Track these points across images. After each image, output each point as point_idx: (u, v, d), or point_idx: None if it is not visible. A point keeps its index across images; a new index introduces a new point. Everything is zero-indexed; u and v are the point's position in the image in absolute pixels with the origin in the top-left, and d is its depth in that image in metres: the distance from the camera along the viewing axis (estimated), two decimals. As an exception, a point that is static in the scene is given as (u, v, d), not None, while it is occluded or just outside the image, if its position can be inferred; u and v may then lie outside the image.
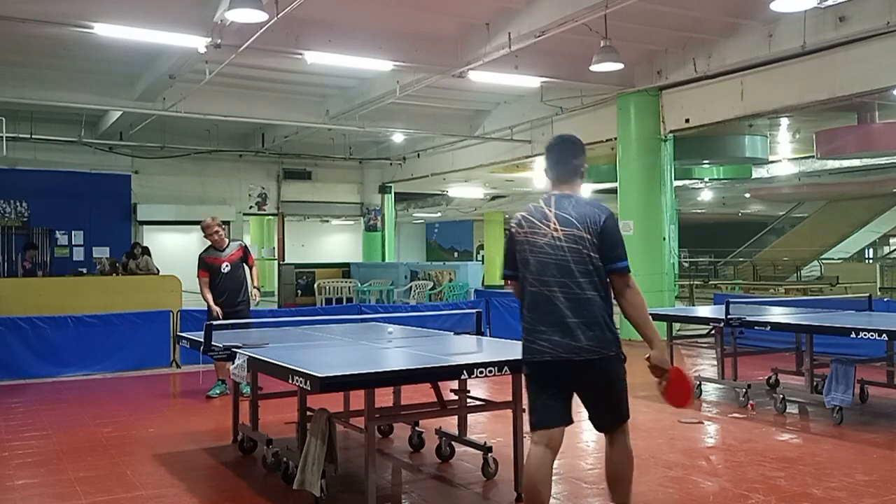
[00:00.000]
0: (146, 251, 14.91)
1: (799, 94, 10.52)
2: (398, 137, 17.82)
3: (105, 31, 8.96)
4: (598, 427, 3.71)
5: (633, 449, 3.71)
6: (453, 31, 10.52)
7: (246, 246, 8.17)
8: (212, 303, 7.75)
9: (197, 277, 7.86)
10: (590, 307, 3.49)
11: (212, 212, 18.25)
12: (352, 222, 25.62)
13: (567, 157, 3.74)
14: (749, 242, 32.69)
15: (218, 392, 7.84)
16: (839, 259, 27.66)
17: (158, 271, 14.18)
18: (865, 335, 5.90)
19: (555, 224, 3.56)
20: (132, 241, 16.71)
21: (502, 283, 4.14)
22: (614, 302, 3.61)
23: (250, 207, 20.07)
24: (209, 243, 7.95)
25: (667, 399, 3.64)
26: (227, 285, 7.80)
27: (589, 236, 3.50)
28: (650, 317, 3.59)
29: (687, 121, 12.00)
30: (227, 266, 7.82)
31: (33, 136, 15.14)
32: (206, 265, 7.84)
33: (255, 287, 8.08)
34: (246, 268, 8.01)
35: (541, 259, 3.57)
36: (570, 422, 3.62)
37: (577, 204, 3.60)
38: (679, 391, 3.65)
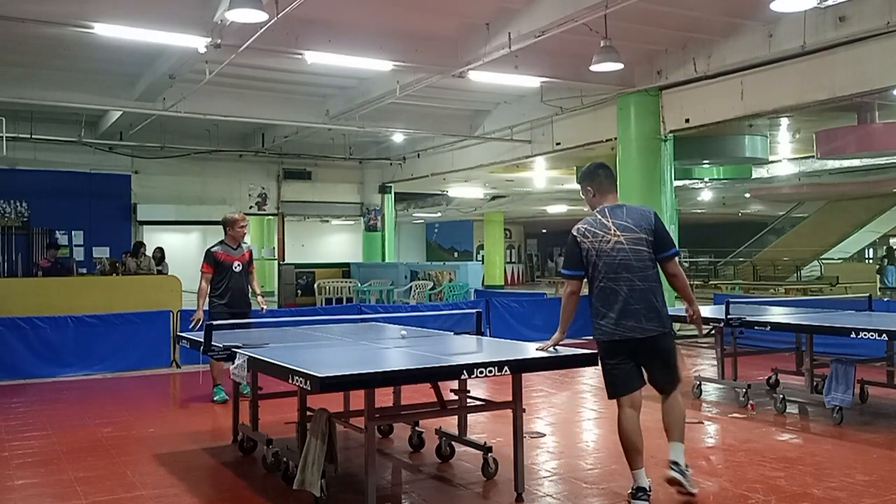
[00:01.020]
0: (161, 253, 14.72)
1: (799, 94, 10.51)
2: (398, 137, 17.81)
3: (105, 31, 8.96)
4: (656, 388, 4.51)
5: (682, 402, 4.59)
6: (453, 31, 10.52)
7: (252, 250, 8.09)
8: (200, 309, 7.56)
9: (200, 272, 7.61)
10: (647, 295, 4.35)
11: (212, 212, 18.42)
12: (352, 222, 25.62)
13: (605, 174, 4.63)
14: (749, 242, 32.66)
15: (223, 398, 7.73)
16: (839, 259, 27.65)
17: (159, 272, 14.13)
18: (865, 335, 5.90)
19: (615, 231, 4.40)
20: (132, 241, 16.74)
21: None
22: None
23: (250, 207, 20.06)
24: (214, 239, 7.86)
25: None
26: (234, 285, 7.65)
27: (645, 235, 4.40)
28: (690, 287, 4.62)
29: (687, 121, 11.99)
30: (238, 265, 7.68)
31: (33, 136, 15.11)
32: (215, 261, 7.61)
33: (259, 294, 7.89)
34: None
35: (606, 261, 4.38)
36: (644, 384, 4.48)
37: (629, 211, 4.49)
38: None
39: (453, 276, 17.13)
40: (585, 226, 4.46)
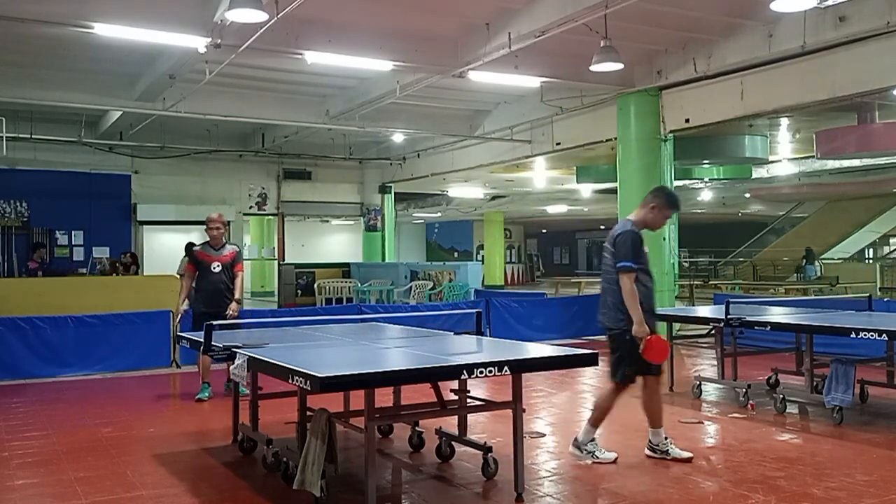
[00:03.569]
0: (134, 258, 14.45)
1: (799, 94, 10.51)
2: (398, 137, 17.81)
3: (105, 31, 8.95)
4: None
5: (613, 401, 5.37)
6: (453, 31, 10.51)
7: (240, 251, 8.15)
8: (182, 304, 7.75)
9: (180, 269, 7.81)
10: (604, 295, 5.33)
11: (212, 212, 18.40)
12: (352, 222, 25.63)
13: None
14: (749, 242, 32.68)
15: (206, 395, 7.76)
16: (839, 259, 27.65)
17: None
18: (865, 335, 5.91)
19: (607, 240, 5.42)
20: (132, 241, 16.73)
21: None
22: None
23: (250, 207, 20.05)
24: (207, 238, 7.97)
25: (646, 356, 5.10)
26: (212, 285, 7.72)
27: (609, 246, 5.36)
28: (635, 303, 5.13)
29: (687, 121, 11.98)
30: (217, 266, 7.75)
31: (33, 136, 15.10)
32: (195, 260, 7.79)
33: (235, 300, 7.71)
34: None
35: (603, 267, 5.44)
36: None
37: (616, 225, 5.47)
38: (656, 350, 5.11)
39: (453, 276, 17.12)
40: None
